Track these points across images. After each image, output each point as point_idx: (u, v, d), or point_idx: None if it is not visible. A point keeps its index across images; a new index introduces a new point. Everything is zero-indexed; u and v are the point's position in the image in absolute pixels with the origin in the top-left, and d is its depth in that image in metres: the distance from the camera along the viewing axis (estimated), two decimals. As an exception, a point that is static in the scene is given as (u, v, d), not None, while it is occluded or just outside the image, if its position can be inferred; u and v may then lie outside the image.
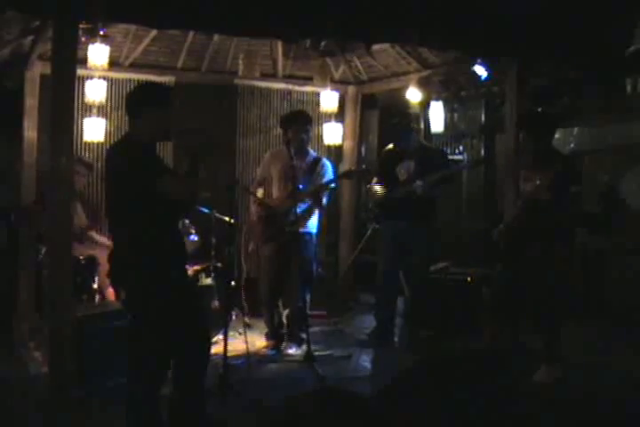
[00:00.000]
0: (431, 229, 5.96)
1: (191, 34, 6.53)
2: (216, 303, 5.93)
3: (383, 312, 6.00)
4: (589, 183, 6.01)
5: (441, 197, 6.02)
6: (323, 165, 5.69)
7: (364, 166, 6.76)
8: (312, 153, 5.80)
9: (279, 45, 6.99)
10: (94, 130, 6.47)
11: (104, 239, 6.06)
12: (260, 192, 5.76)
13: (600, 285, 6.73)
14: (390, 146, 6.16)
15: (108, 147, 3.77)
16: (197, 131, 3.52)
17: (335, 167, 6.09)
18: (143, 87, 3.84)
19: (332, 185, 5.68)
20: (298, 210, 5.33)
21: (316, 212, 5.66)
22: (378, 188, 6.05)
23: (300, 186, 5.39)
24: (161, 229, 3.50)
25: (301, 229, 5.45)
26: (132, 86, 6.78)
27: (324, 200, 5.65)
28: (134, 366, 3.52)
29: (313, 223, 5.66)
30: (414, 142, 5.96)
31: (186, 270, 3.88)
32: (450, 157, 6.81)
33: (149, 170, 3.37)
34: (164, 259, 3.49)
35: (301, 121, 5.61)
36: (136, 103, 3.52)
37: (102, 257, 5.88)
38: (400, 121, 6.04)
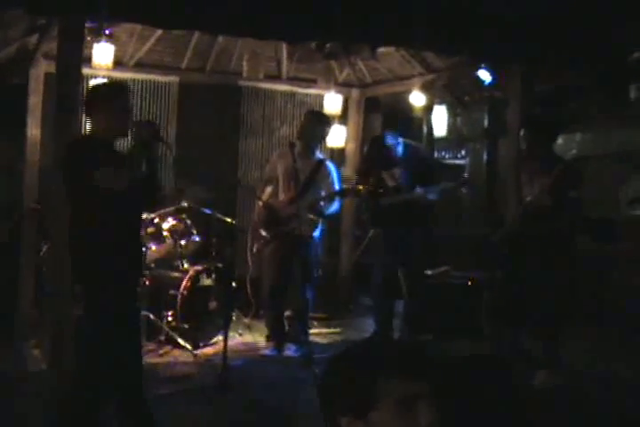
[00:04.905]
0: (428, 232, 5.95)
1: (196, 34, 6.53)
2: (214, 304, 5.93)
3: (381, 315, 6.00)
4: (593, 189, 6.00)
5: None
6: (326, 167, 5.71)
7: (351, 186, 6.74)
8: (317, 155, 5.81)
9: (284, 47, 6.99)
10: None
11: None
12: (268, 191, 5.79)
13: (601, 289, 6.72)
14: (367, 152, 6.19)
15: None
16: (147, 124, 3.60)
17: (338, 170, 6.09)
18: (91, 88, 3.97)
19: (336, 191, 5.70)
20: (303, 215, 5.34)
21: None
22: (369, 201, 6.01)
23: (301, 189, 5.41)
24: (105, 228, 3.32)
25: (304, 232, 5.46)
26: (136, 86, 6.82)
27: (334, 207, 5.68)
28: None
29: (316, 226, 5.67)
30: (394, 146, 5.92)
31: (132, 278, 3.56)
32: (452, 161, 6.79)
33: (83, 164, 3.29)
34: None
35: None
36: (85, 103, 3.64)
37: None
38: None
